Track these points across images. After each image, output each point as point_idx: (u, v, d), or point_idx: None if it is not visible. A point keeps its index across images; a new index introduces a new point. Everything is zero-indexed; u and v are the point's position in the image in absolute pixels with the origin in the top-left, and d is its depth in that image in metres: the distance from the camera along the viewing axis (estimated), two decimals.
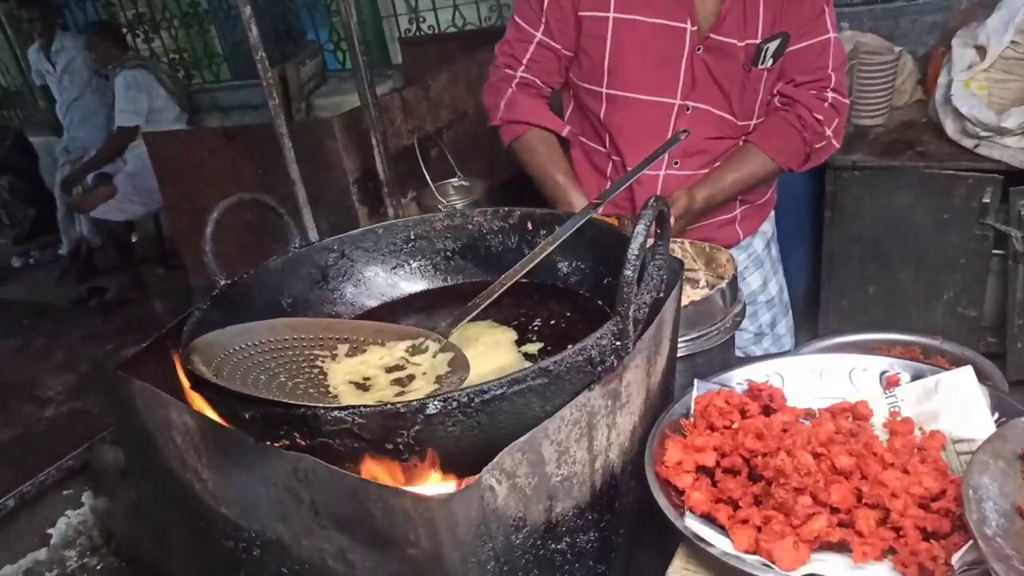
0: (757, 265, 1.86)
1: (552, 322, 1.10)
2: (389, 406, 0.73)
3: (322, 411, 0.74)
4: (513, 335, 1.08)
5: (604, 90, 1.64)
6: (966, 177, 2.62)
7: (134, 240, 5.44)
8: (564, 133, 1.73)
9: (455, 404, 0.74)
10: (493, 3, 4.39)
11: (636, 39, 1.57)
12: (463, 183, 2.42)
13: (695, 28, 1.55)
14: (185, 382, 0.87)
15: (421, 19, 4.65)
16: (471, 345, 1.05)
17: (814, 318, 3.13)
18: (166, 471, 0.99)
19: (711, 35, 1.56)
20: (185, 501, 0.99)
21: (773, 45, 1.56)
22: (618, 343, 0.82)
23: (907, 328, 2.93)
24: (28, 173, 6.28)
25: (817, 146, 1.66)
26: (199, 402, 0.88)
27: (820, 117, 1.62)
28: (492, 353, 1.04)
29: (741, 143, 1.69)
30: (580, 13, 1.60)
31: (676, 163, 1.67)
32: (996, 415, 0.92)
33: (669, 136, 1.61)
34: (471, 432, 0.76)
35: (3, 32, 6.70)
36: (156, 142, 2.46)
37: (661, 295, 0.92)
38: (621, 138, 1.68)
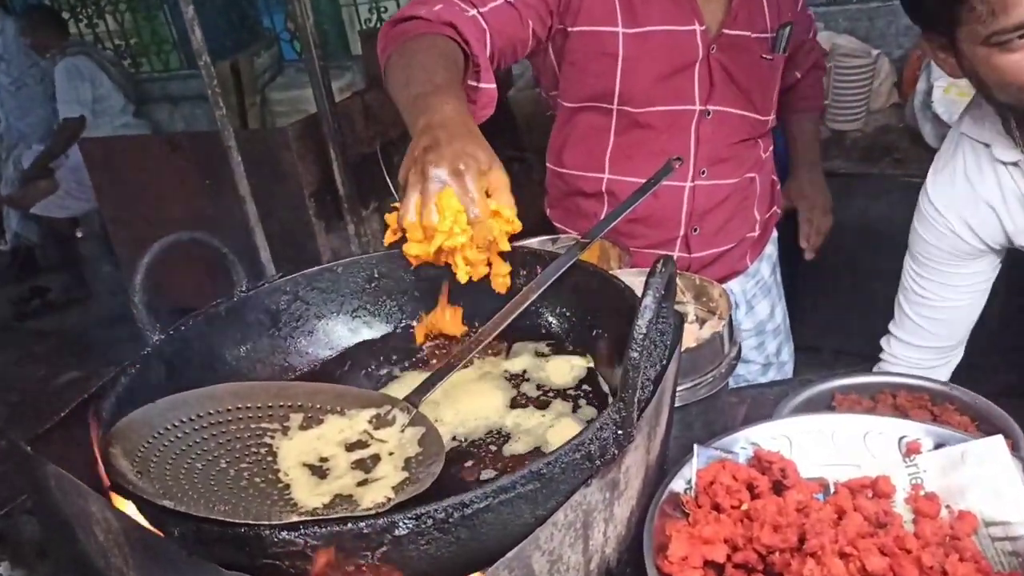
0: (765, 292, 1.77)
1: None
2: (351, 527, 0.60)
3: (267, 532, 0.61)
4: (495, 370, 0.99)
5: (613, 109, 1.50)
6: None
7: (79, 236, 5.17)
8: (483, 84, 1.20)
9: (430, 522, 0.61)
10: None
11: (649, 51, 1.44)
12: None
13: (704, 28, 1.45)
14: (106, 478, 0.73)
15: (383, 8, 4.47)
16: (448, 393, 0.94)
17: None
18: (88, 563, 0.85)
19: (724, 31, 1.47)
20: None
21: (786, 31, 1.53)
22: (620, 432, 0.70)
23: (879, 337, 2.89)
24: None
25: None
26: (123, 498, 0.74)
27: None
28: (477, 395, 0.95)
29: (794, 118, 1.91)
30: (572, 28, 1.42)
31: (703, 172, 1.56)
32: None
33: (692, 143, 1.52)
34: (448, 548, 0.64)
35: None
36: (92, 149, 2.27)
37: (664, 363, 0.81)
38: (635, 155, 1.54)
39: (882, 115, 3.02)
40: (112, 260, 5.08)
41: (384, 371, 1.05)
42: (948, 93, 2.56)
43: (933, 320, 1.48)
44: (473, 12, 1.26)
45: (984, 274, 1.43)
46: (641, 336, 0.66)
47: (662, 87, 1.47)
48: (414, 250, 0.93)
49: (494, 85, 1.23)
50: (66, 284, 4.88)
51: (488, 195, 0.91)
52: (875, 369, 1.56)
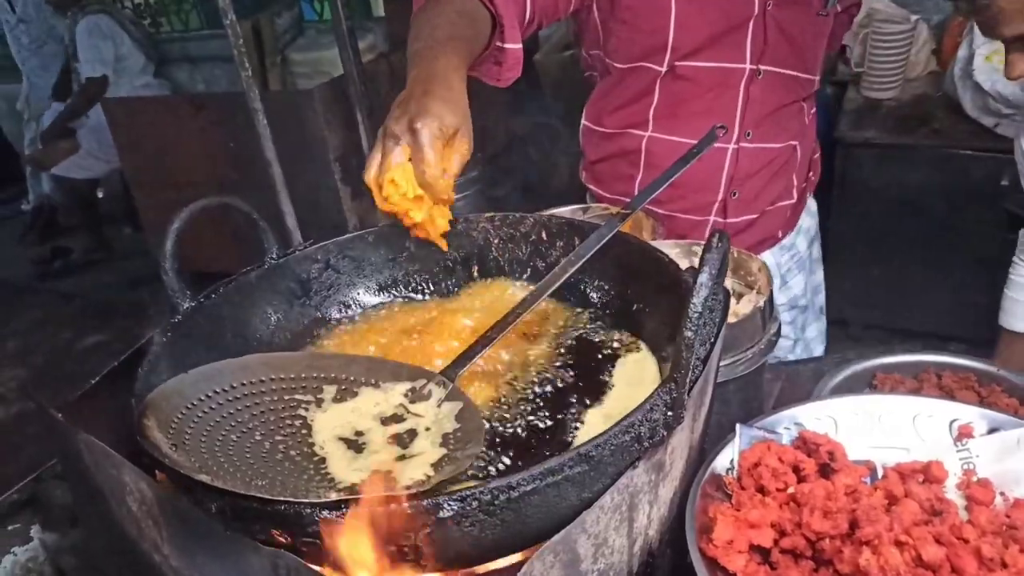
0: (800, 267, 1.72)
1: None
2: (393, 507, 0.58)
3: (307, 511, 0.59)
4: None
5: (663, 68, 1.44)
6: (984, 158, 2.49)
7: (99, 197, 5.17)
8: (507, 44, 1.18)
9: (476, 504, 0.59)
10: None
11: (703, 7, 1.38)
12: None
13: None
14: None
15: None
16: None
17: None
18: (120, 532, 0.84)
19: None
20: (143, 568, 0.84)
21: None
22: (670, 413, 0.67)
23: (910, 312, 2.84)
24: None
25: None
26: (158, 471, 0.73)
27: (848, 45, 1.71)
28: None
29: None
30: None
31: (748, 134, 1.50)
32: None
33: (740, 103, 1.47)
34: (493, 531, 0.62)
35: None
36: (115, 109, 2.24)
37: (713, 341, 0.78)
38: (680, 113, 1.48)
39: (919, 83, 2.93)
40: (132, 222, 5.09)
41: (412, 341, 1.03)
42: (990, 61, 2.47)
43: None
44: None
45: None
46: (696, 315, 0.63)
47: (715, 44, 1.42)
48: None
49: (519, 45, 1.21)
50: (87, 245, 4.89)
51: None
52: (1012, 263, 1.54)
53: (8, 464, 1.25)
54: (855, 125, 2.73)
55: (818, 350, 1.81)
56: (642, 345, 0.93)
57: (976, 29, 2.55)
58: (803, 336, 1.80)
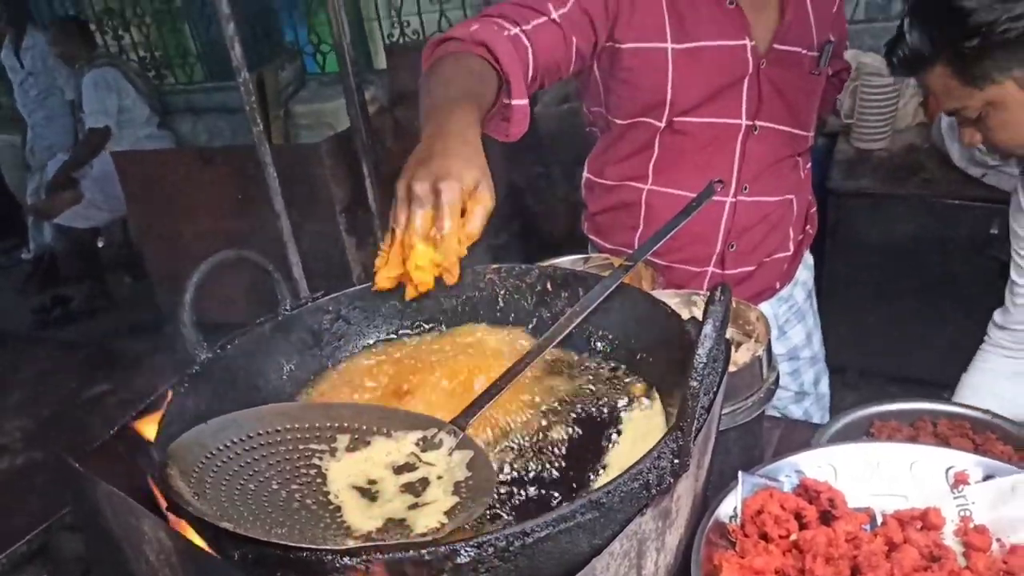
0: (799, 318, 1.76)
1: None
2: (412, 554, 0.60)
3: (329, 557, 0.61)
4: None
5: (662, 123, 1.50)
6: (973, 207, 2.55)
7: (100, 246, 5.22)
8: (514, 100, 1.23)
9: (491, 550, 0.61)
10: (482, 6, 4.25)
11: (699, 67, 1.44)
12: None
13: (754, 43, 1.45)
14: (162, 500, 0.74)
15: (405, 23, 4.50)
16: None
17: None
18: None
19: (775, 46, 1.47)
20: None
21: (829, 48, 1.54)
22: (677, 461, 0.70)
23: (904, 359, 2.87)
24: None
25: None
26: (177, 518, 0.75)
27: (838, 97, 1.84)
28: None
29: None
30: (621, 45, 1.42)
31: (745, 188, 1.56)
32: None
33: (737, 157, 1.52)
34: None
35: None
36: (125, 161, 2.29)
37: (716, 390, 0.80)
38: (680, 166, 1.54)
39: (908, 134, 3.01)
40: (133, 271, 5.13)
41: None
42: None
43: None
44: (515, 31, 1.28)
45: None
46: (702, 365, 0.66)
47: (711, 101, 1.47)
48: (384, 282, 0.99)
49: (526, 101, 1.26)
50: (88, 294, 4.92)
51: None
52: (980, 349, 1.60)
53: (15, 515, 1.26)
54: (847, 175, 2.80)
55: (828, 404, 1.84)
56: (650, 393, 0.96)
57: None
58: (816, 391, 1.83)
